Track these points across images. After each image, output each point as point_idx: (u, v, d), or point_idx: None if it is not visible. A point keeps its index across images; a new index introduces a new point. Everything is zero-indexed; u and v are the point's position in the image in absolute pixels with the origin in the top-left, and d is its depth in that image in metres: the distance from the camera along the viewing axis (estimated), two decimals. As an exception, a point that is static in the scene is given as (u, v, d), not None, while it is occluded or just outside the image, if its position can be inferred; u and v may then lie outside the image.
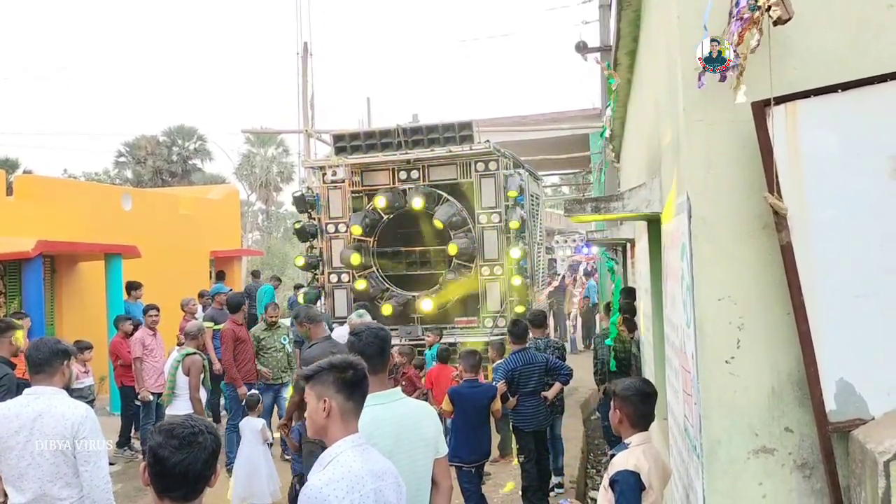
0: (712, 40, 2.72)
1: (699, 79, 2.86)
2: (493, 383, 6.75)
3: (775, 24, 2.65)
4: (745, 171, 2.84)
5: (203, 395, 7.15)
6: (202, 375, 7.10)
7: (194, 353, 7.12)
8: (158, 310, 9.08)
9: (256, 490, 6.67)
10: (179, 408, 6.98)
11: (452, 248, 10.23)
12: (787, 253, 2.70)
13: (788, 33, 2.76)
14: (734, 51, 2.69)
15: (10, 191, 11.67)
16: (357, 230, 10.80)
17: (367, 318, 7.01)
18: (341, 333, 8.11)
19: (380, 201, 10.60)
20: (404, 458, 2.95)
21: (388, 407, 3.04)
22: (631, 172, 7.69)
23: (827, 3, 2.81)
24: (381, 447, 2.81)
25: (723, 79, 2.78)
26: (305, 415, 2.68)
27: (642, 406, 3.42)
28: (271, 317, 8.70)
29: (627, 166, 8.48)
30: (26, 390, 3.84)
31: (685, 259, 3.06)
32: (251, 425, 6.95)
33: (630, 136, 7.64)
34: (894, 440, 2.41)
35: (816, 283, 2.69)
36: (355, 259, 10.65)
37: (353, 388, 2.63)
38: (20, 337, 5.16)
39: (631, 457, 3.31)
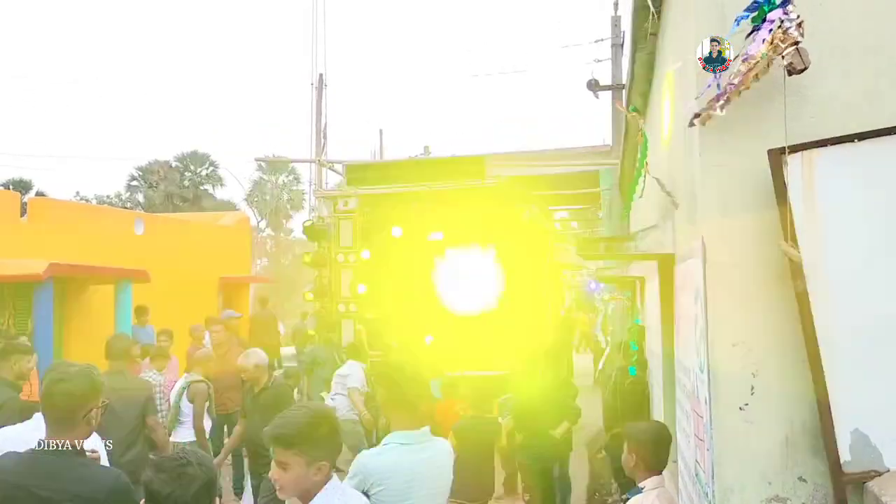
0: (712, 40, 2.74)
1: (692, 121, 2.89)
2: (501, 419, 6.70)
3: (790, 73, 2.69)
4: (761, 217, 2.85)
5: (207, 423, 7.11)
6: (207, 404, 7.06)
7: (200, 381, 7.10)
8: (169, 336, 9.13)
9: None
10: (183, 435, 6.93)
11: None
12: (802, 300, 2.70)
13: (806, 83, 2.79)
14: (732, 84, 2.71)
15: (23, 211, 11.76)
16: (367, 260, 10.85)
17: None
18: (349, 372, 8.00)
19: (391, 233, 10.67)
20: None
21: (411, 450, 3.02)
22: (642, 212, 7.70)
23: (844, 54, 2.84)
24: (391, 491, 2.81)
25: (721, 108, 2.78)
26: (286, 481, 2.51)
27: (657, 450, 3.39)
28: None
29: (638, 205, 8.49)
30: (36, 415, 3.83)
31: (699, 303, 3.05)
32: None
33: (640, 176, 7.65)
34: (910, 494, 2.38)
35: (832, 331, 2.68)
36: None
37: (339, 442, 2.69)
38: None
39: (646, 501, 3.27)
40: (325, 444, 2.53)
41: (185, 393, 6.99)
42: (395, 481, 2.90)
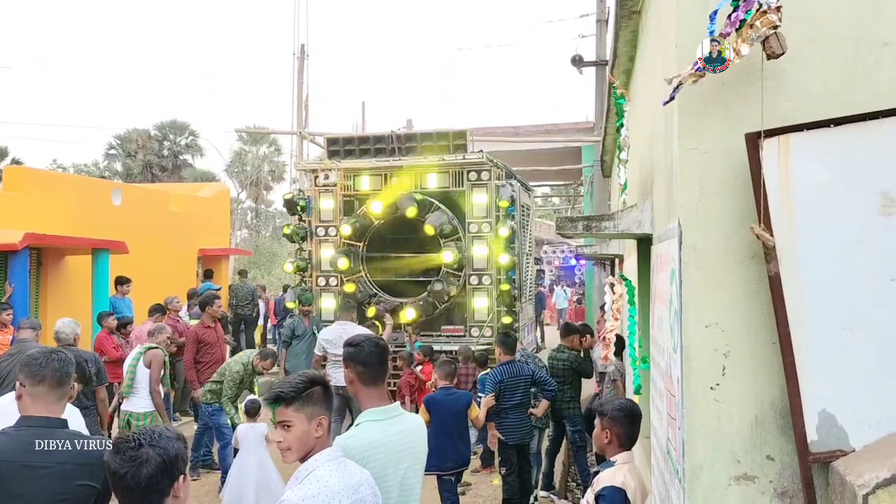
0: (712, 40, 2.75)
1: (672, 94, 2.90)
2: (481, 395, 6.77)
3: (769, 57, 2.70)
4: (738, 201, 2.88)
5: (160, 391, 7.14)
6: (162, 372, 7.11)
7: (156, 348, 7.15)
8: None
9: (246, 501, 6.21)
10: (137, 405, 6.95)
11: (440, 257, 10.31)
12: (774, 283, 2.73)
13: (784, 67, 2.80)
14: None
15: (-1, 178, 11.59)
16: (347, 234, 10.81)
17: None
18: (332, 335, 8.14)
19: (371, 206, 10.63)
20: (393, 479, 2.96)
21: (385, 424, 3.03)
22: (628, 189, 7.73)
23: (823, 39, 2.85)
24: (374, 468, 2.83)
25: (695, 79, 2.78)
26: (291, 440, 2.60)
27: (630, 427, 3.54)
28: (265, 369, 7.79)
29: (619, 183, 8.53)
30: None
31: (674, 284, 3.09)
32: (256, 431, 6.51)
33: (623, 153, 7.67)
34: (874, 473, 2.44)
35: (803, 315, 2.72)
36: (343, 263, 10.69)
37: (332, 401, 2.75)
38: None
39: (618, 474, 3.41)
40: (321, 401, 2.65)
41: (141, 358, 7.01)
42: (376, 457, 2.91)
